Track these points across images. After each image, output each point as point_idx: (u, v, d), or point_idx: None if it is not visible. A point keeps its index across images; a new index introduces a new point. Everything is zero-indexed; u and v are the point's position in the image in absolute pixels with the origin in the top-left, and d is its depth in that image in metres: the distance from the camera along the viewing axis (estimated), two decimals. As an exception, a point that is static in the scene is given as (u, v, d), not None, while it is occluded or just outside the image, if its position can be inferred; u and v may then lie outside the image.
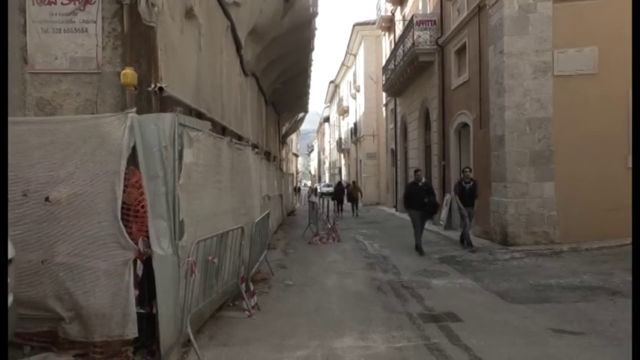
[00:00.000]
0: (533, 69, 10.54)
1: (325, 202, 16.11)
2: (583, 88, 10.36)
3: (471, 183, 10.49)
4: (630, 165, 9.70)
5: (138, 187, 4.25)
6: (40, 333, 4.32)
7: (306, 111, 23.87)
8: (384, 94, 26.21)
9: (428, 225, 16.54)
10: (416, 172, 10.95)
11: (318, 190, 39.56)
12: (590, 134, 10.25)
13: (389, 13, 24.87)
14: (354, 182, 27.32)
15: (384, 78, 23.52)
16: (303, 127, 41.05)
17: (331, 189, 29.12)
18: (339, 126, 47.92)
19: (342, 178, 43.08)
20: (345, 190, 24.83)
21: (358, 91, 34.77)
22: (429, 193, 10.30)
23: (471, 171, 10.77)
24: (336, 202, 21.71)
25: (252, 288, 6.34)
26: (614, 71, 9.90)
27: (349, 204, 23.64)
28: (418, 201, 10.15)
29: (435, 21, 16.31)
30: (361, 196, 24.84)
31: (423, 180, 10.92)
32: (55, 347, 4.29)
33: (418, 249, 10.41)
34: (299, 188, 42.31)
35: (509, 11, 10.61)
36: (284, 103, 18.48)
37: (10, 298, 3.16)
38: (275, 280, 7.81)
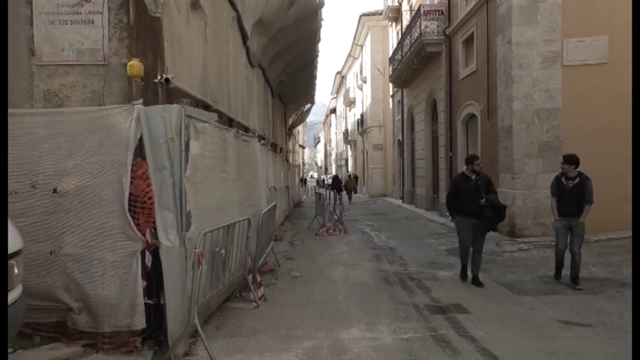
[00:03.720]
0: (542, 59, 10.43)
1: (332, 193, 16.14)
2: (592, 78, 10.24)
3: (577, 180, 6.58)
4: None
5: (145, 178, 4.26)
6: (49, 323, 4.36)
7: (312, 102, 23.80)
8: (390, 85, 26.08)
9: (433, 215, 16.71)
10: (471, 160, 7.06)
11: (326, 182, 39.80)
12: (599, 125, 10.14)
13: (396, 3, 24.68)
14: (349, 175, 31.66)
15: (390, 69, 23.40)
16: (310, 118, 41.04)
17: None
18: (346, 117, 47.79)
19: (349, 169, 44.10)
20: (342, 182, 28.20)
21: (365, 82, 34.61)
22: (488, 191, 6.73)
23: (576, 163, 6.67)
24: (335, 191, 23.64)
25: (258, 279, 6.36)
26: (625, 61, 9.76)
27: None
28: (471, 203, 6.63)
29: (442, 11, 16.18)
30: (354, 187, 29.96)
31: (479, 171, 6.95)
32: (64, 337, 4.33)
33: (463, 274, 7.06)
34: (305, 180, 42.59)
35: (518, 0, 10.48)
36: (290, 95, 18.43)
37: (19, 289, 3.19)
38: (282, 272, 7.84)
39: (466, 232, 6.85)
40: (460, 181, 7.04)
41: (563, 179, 6.73)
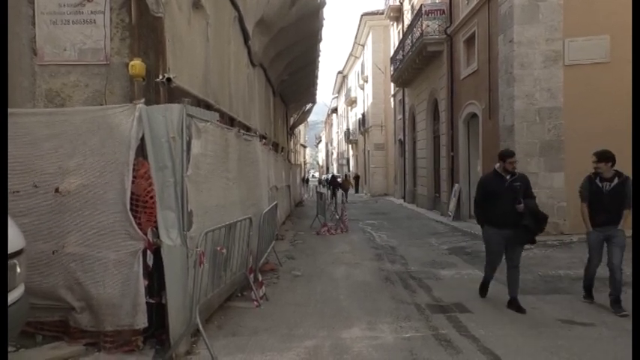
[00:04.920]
0: (544, 58, 10.43)
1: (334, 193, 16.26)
2: (594, 78, 10.23)
3: (616, 181, 5.41)
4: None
5: (146, 177, 4.27)
6: (51, 322, 4.37)
7: (313, 102, 23.84)
8: (392, 84, 26.08)
9: (434, 215, 16.71)
10: (506, 156, 5.63)
11: (328, 181, 40.46)
12: (601, 124, 10.12)
13: (397, 3, 24.67)
14: (346, 175, 34.63)
15: (392, 68, 23.39)
16: (311, 118, 41.17)
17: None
18: (347, 117, 47.77)
19: (350, 169, 44.75)
20: (339, 181, 29.85)
21: (366, 81, 34.60)
22: (526, 195, 5.55)
23: (613, 160, 5.46)
24: (332, 188, 26.40)
25: (260, 278, 6.37)
26: (626, 60, 9.74)
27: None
28: (505, 210, 5.46)
29: (443, 10, 16.17)
30: (352, 186, 32.70)
31: (512, 171, 5.61)
32: (66, 336, 4.34)
33: (483, 289, 6.07)
34: (307, 179, 42.88)
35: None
36: (292, 94, 18.43)
37: (22, 288, 3.20)
38: (283, 271, 7.84)
39: (495, 246, 5.69)
40: (492, 182, 5.69)
41: (597, 181, 5.51)
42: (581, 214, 5.72)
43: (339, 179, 30.61)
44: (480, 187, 5.88)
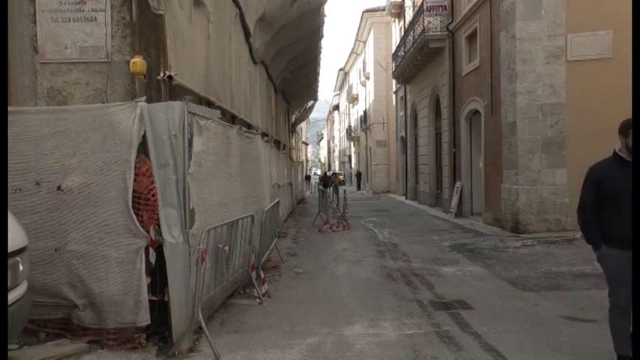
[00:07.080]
0: (546, 54, 10.40)
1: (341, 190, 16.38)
2: (597, 73, 10.19)
3: None
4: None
5: (148, 175, 4.27)
6: (54, 320, 4.39)
7: (315, 99, 23.85)
8: (393, 81, 26.04)
9: (436, 212, 16.72)
10: (628, 127, 3.38)
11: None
12: (603, 120, 10.05)
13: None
14: (334, 173, 37.54)
15: (393, 65, 23.37)
16: (313, 115, 41.25)
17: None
18: (349, 114, 47.73)
19: (352, 166, 45.38)
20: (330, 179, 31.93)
21: (368, 78, 34.55)
22: None
23: None
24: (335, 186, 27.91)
25: (262, 276, 6.38)
26: (630, 56, 9.70)
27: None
28: (632, 217, 3.21)
29: (445, 6, 16.12)
30: (340, 183, 34.28)
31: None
32: (69, 334, 4.36)
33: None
34: (309, 176, 43.13)
35: (522, -5, 10.45)
36: (293, 92, 18.44)
37: (25, 286, 3.21)
38: (285, 268, 7.85)
39: (620, 277, 3.45)
40: (611, 174, 3.48)
41: None
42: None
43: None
44: (589, 183, 3.61)
